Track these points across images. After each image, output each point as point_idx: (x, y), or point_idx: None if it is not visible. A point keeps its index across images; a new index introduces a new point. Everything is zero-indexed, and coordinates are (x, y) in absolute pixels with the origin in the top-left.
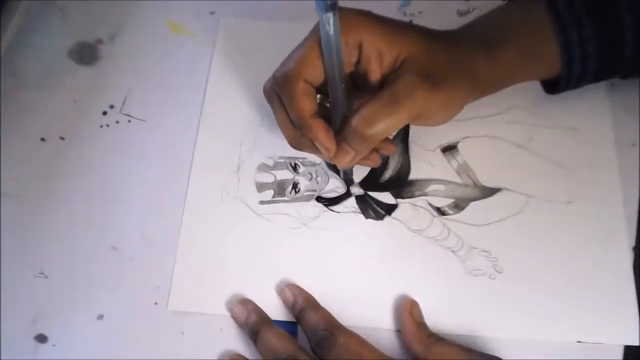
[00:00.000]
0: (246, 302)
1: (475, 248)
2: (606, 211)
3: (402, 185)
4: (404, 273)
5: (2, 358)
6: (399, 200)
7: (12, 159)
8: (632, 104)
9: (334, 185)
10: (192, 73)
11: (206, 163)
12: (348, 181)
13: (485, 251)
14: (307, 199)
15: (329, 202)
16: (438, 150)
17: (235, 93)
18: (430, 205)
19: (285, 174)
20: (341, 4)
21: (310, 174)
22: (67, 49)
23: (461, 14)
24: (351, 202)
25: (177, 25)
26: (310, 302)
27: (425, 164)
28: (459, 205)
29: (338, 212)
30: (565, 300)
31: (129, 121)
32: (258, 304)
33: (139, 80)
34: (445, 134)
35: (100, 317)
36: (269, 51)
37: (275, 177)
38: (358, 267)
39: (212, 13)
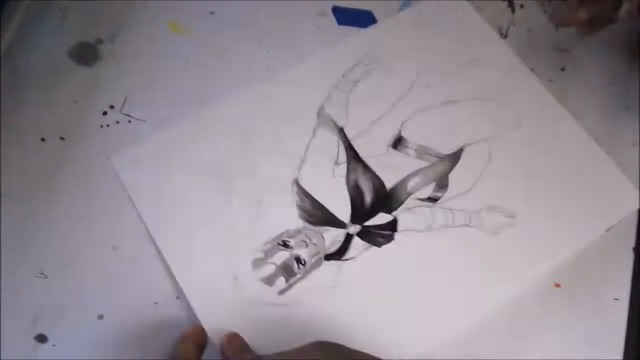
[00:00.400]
0: (236, 338)
1: (480, 210)
2: (553, 120)
3: (386, 199)
4: (442, 275)
5: (2, 358)
6: (394, 213)
7: (12, 159)
8: (632, 104)
9: (332, 238)
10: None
11: (200, 289)
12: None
13: (490, 206)
14: (318, 263)
15: (339, 254)
16: (390, 149)
17: (174, 218)
18: (420, 199)
19: (282, 255)
20: (341, 3)
21: (304, 241)
22: (67, 49)
23: None
24: (357, 242)
25: (177, 25)
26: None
27: (389, 168)
28: (441, 185)
29: (354, 258)
30: (574, 206)
31: (129, 121)
32: None
33: (139, 80)
34: (385, 131)
35: (100, 317)
36: (178, 160)
37: (276, 264)
38: (404, 293)
39: (212, 13)
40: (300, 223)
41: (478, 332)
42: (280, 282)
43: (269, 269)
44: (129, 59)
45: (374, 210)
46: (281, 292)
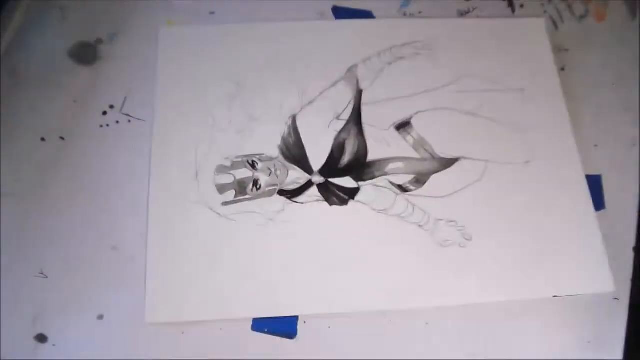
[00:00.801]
0: None
1: (441, 220)
2: (565, 167)
3: (361, 167)
4: (375, 254)
5: (2, 358)
6: (361, 183)
7: (12, 159)
8: (632, 104)
9: (295, 177)
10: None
11: (165, 172)
12: None
13: (452, 221)
14: (270, 194)
15: (292, 194)
16: (392, 128)
17: (183, 100)
18: (392, 183)
19: (245, 173)
20: (340, 3)
21: (269, 169)
22: (67, 49)
23: (461, 13)
24: (313, 191)
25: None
26: None
27: (381, 143)
28: (419, 180)
29: (302, 203)
30: (536, 258)
31: (129, 121)
32: (236, 304)
33: (139, 80)
34: (397, 111)
35: (100, 317)
36: (212, 54)
37: (235, 177)
38: (329, 254)
39: (212, 13)
40: (276, 153)
41: (479, 331)
42: (229, 195)
43: (226, 179)
44: (129, 59)
45: (344, 172)
46: (225, 203)
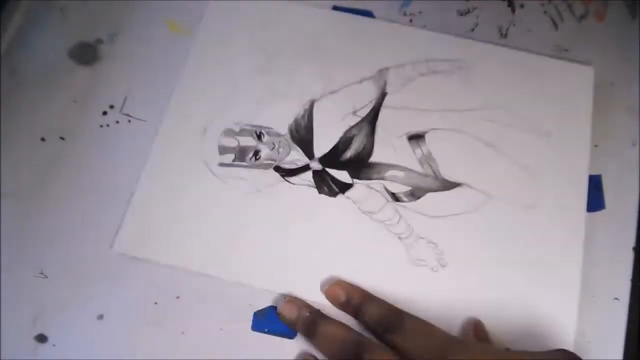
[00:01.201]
0: (294, 300)
1: (423, 238)
2: (566, 221)
3: (361, 166)
4: (347, 252)
5: (2, 358)
6: (356, 180)
7: (12, 159)
8: (632, 104)
9: (294, 158)
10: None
11: (176, 121)
12: None
13: (433, 243)
14: (266, 167)
15: (286, 172)
16: (404, 137)
17: (214, 64)
18: (386, 189)
19: (249, 141)
20: (340, 3)
21: (273, 144)
22: (67, 49)
23: (461, 13)
24: (308, 175)
25: (177, 25)
26: (367, 295)
27: (388, 149)
28: (414, 194)
29: (293, 184)
30: (504, 302)
31: (129, 121)
32: (206, 259)
33: (139, 80)
34: (414, 122)
35: (100, 317)
36: (249, 27)
37: (239, 143)
38: (302, 238)
39: None
40: (284, 130)
41: None
42: (228, 157)
43: (230, 142)
44: (129, 59)
45: (344, 166)
46: (222, 164)
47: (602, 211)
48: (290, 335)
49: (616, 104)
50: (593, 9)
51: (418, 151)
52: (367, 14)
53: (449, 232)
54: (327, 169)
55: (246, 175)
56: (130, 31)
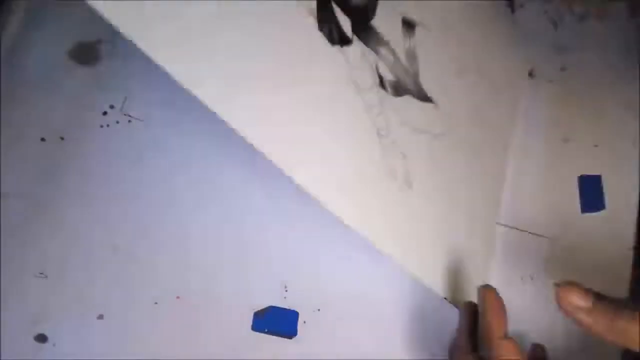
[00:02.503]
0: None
1: (396, 144)
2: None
3: (364, 21)
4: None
5: (2, 358)
6: (355, 38)
7: (12, 159)
8: (632, 103)
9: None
10: None
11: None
12: None
13: (403, 154)
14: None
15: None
16: (400, 18)
17: None
18: (377, 67)
19: None
20: None
21: None
22: (67, 49)
23: None
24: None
25: None
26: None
27: (387, 21)
28: (397, 89)
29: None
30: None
31: (129, 121)
32: None
33: (139, 80)
34: (411, 9)
35: (100, 317)
36: None
37: None
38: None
39: None
40: None
41: None
42: None
43: None
44: (129, 59)
45: (349, 12)
46: None
47: (602, 211)
48: (290, 335)
49: (616, 104)
50: (593, 9)
51: (407, 41)
52: None
53: (416, 149)
54: (334, 4)
55: None
56: None
